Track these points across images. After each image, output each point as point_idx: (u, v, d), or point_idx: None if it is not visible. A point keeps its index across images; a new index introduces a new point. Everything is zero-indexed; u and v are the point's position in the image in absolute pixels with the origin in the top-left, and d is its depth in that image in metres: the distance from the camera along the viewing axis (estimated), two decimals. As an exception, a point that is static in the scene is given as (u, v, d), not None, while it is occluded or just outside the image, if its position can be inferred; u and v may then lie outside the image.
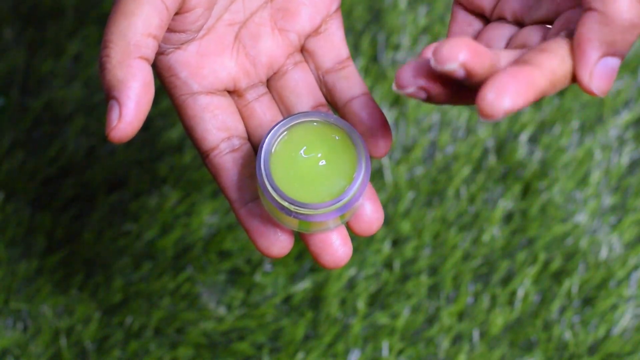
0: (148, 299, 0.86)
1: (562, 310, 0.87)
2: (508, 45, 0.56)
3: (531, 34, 0.55)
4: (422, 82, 0.51)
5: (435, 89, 0.51)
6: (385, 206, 0.89)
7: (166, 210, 0.89)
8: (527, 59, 0.50)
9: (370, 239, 0.88)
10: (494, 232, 0.89)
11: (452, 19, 0.59)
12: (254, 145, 0.59)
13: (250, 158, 0.58)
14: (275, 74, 0.60)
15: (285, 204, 0.55)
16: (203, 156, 0.58)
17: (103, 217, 0.89)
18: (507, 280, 0.88)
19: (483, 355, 0.85)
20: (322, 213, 0.55)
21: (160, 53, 0.58)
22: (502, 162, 0.92)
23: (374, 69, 0.95)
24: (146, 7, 0.54)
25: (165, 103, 0.92)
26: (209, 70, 0.58)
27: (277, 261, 0.87)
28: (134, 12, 0.54)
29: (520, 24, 0.57)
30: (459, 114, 0.93)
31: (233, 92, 0.59)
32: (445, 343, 0.86)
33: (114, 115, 0.53)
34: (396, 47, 0.96)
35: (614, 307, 0.87)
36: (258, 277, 0.87)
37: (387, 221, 0.89)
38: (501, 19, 0.57)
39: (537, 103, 0.94)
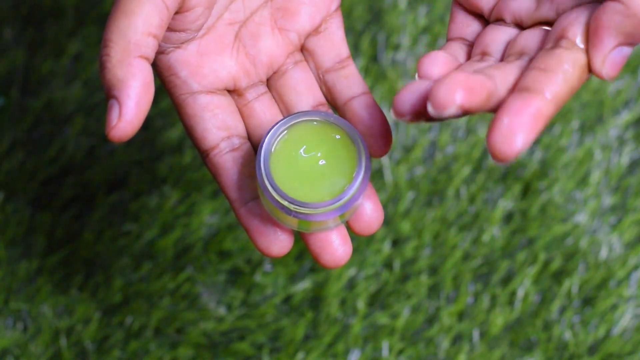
0: (148, 299, 0.86)
1: (562, 310, 0.87)
2: (506, 50, 0.55)
3: (530, 38, 0.54)
4: (420, 109, 0.51)
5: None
6: (385, 206, 0.89)
7: (166, 210, 0.89)
8: (529, 84, 0.50)
9: (370, 238, 0.88)
10: (494, 232, 0.89)
11: (451, 20, 0.59)
12: (254, 145, 0.59)
13: (250, 157, 0.58)
14: (275, 73, 0.60)
15: (285, 203, 0.55)
16: (203, 155, 0.58)
17: (103, 217, 0.89)
18: (507, 280, 0.88)
19: (483, 355, 0.85)
20: (322, 212, 0.55)
21: (160, 52, 0.58)
22: (502, 162, 0.91)
23: (374, 69, 0.95)
24: (146, 6, 0.54)
25: (165, 103, 0.92)
26: (209, 69, 0.58)
27: (277, 261, 0.87)
28: (134, 11, 0.54)
29: (519, 25, 0.56)
30: (459, 114, 0.93)
31: (233, 92, 0.59)
32: (445, 343, 0.86)
33: (114, 114, 0.53)
34: (396, 47, 0.96)
35: (614, 307, 0.87)
36: (258, 277, 0.87)
37: (387, 221, 0.89)
38: (500, 20, 0.57)
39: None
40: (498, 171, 0.91)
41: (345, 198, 0.55)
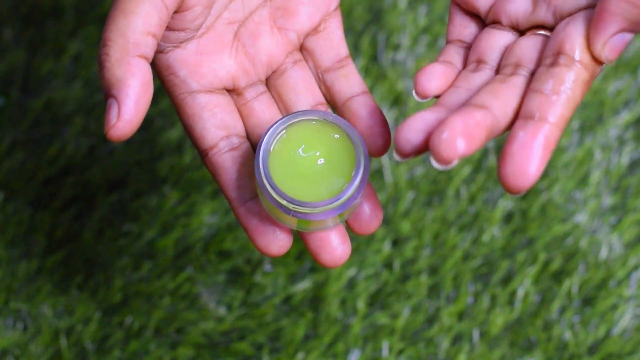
0: (148, 299, 0.86)
1: (562, 310, 0.87)
2: (502, 59, 0.55)
3: (527, 48, 0.54)
4: (422, 147, 0.51)
5: None
6: (385, 206, 0.89)
7: (166, 210, 0.89)
8: (533, 111, 0.50)
9: (370, 239, 0.88)
10: (494, 232, 0.89)
11: (449, 21, 0.59)
12: (253, 144, 0.59)
13: (249, 157, 0.58)
14: (274, 72, 0.60)
15: (284, 202, 0.55)
16: (202, 155, 0.58)
17: (103, 217, 0.89)
18: (507, 280, 0.88)
19: (483, 355, 0.85)
20: (321, 211, 0.55)
21: (159, 51, 0.58)
22: (502, 162, 0.91)
23: (374, 69, 0.95)
24: (146, 5, 0.54)
25: (165, 103, 0.92)
26: (208, 68, 0.58)
27: (277, 261, 0.87)
28: (134, 10, 0.54)
29: (515, 28, 0.56)
30: (459, 114, 0.93)
31: (232, 91, 0.59)
32: (445, 343, 0.86)
33: (113, 113, 0.53)
34: (396, 47, 0.96)
35: (614, 307, 0.87)
36: (258, 277, 0.87)
37: (387, 221, 0.89)
38: (496, 22, 0.57)
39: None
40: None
41: (344, 197, 0.55)
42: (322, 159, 0.56)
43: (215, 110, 0.58)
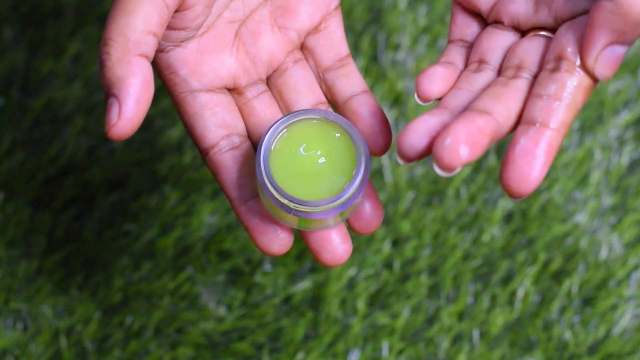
0: (148, 299, 0.86)
1: (562, 310, 0.87)
2: (504, 60, 0.55)
3: (529, 50, 0.54)
4: (425, 151, 0.51)
5: None
6: (385, 206, 0.89)
7: (166, 210, 0.89)
8: (535, 116, 0.51)
9: (370, 239, 0.88)
10: (494, 232, 0.89)
11: (452, 20, 0.59)
12: (254, 143, 0.59)
13: (250, 156, 0.58)
14: (275, 71, 0.60)
15: (285, 201, 0.55)
16: (203, 154, 0.58)
17: (103, 217, 0.89)
18: (507, 280, 0.88)
19: (483, 355, 0.85)
20: (322, 211, 0.55)
21: (160, 51, 0.58)
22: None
23: (374, 69, 0.95)
24: (146, 4, 0.54)
25: (165, 103, 0.92)
26: (209, 67, 0.58)
27: (277, 261, 0.87)
28: (134, 9, 0.54)
29: (516, 28, 0.56)
30: (459, 114, 0.93)
31: (233, 90, 0.59)
32: (445, 343, 0.86)
33: (114, 112, 0.53)
34: (396, 47, 0.96)
35: (614, 307, 0.87)
36: (258, 277, 0.87)
37: (387, 221, 0.89)
38: (498, 22, 0.57)
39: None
40: (498, 171, 0.91)
41: (345, 196, 0.55)
42: (323, 158, 0.56)
43: (216, 109, 0.58)
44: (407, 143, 0.51)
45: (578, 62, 0.52)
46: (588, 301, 0.88)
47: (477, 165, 0.91)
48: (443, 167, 0.49)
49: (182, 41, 0.58)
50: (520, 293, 0.87)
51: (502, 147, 0.92)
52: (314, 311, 0.86)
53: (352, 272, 0.87)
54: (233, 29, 0.59)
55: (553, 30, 0.55)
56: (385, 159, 0.91)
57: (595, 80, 0.52)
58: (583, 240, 0.89)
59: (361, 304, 0.86)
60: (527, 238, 0.89)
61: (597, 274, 0.88)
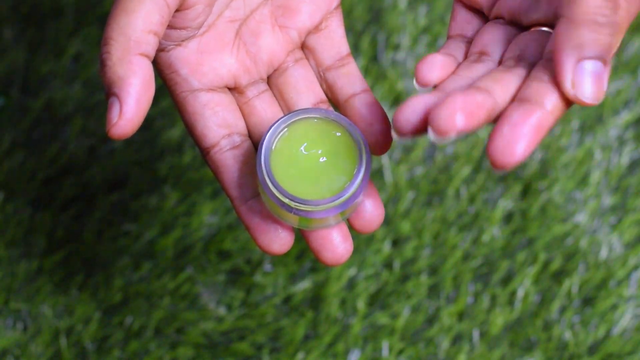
0: (148, 299, 0.86)
1: (562, 310, 0.87)
2: (505, 52, 0.55)
3: (529, 42, 0.54)
4: (421, 128, 0.51)
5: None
6: (385, 206, 0.89)
7: (166, 210, 0.89)
8: (530, 96, 0.50)
9: (370, 239, 0.88)
10: (494, 232, 0.89)
11: (452, 17, 0.59)
12: (255, 142, 0.59)
13: (251, 155, 0.58)
14: (275, 70, 0.60)
15: (286, 200, 0.55)
16: (203, 153, 0.58)
17: (103, 217, 0.88)
18: (507, 280, 0.88)
19: (483, 355, 0.85)
20: (323, 210, 0.55)
21: (160, 50, 0.58)
22: (502, 162, 0.91)
23: (374, 69, 0.95)
24: (147, 3, 0.54)
25: (166, 103, 0.92)
26: (210, 67, 0.58)
27: (277, 261, 0.87)
28: (135, 8, 0.54)
29: (518, 24, 0.56)
30: (458, 114, 0.93)
31: (233, 89, 0.59)
32: (445, 343, 0.86)
33: (115, 112, 0.53)
34: (396, 47, 0.96)
35: (614, 307, 0.87)
36: (258, 277, 0.87)
37: (387, 221, 0.89)
38: (499, 17, 0.57)
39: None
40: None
41: (346, 195, 0.55)
42: (324, 157, 0.56)
43: (216, 108, 0.58)
44: (403, 117, 0.51)
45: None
46: (588, 301, 0.88)
47: (477, 165, 0.92)
48: (437, 131, 0.49)
49: (182, 40, 0.58)
50: (520, 293, 0.87)
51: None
52: (314, 311, 0.86)
53: (352, 272, 0.87)
54: (234, 28, 0.59)
55: (554, 26, 0.55)
56: (385, 159, 0.91)
57: (581, 103, 0.51)
58: (583, 240, 0.89)
59: (361, 304, 0.86)
60: (527, 238, 0.89)
61: (597, 274, 0.88)
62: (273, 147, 0.56)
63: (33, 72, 0.93)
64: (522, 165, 0.91)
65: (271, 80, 0.60)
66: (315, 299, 0.87)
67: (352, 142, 0.56)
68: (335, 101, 0.60)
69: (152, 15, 0.54)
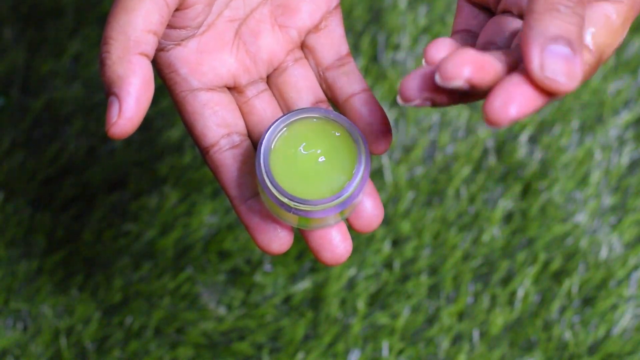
0: (148, 299, 0.86)
1: (562, 310, 0.87)
2: (513, 42, 0.55)
3: None
4: (426, 93, 0.50)
5: (440, 97, 0.51)
6: (385, 206, 0.89)
7: (166, 210, 0.89)
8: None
9: (370, 238, 0.88)
10: (494, 232, 0.89)
11: (457, 12, 0.58)
12: (254, 142, 0.59)
13: (250, 154, 0.58)
14: (275, 70, 0.60)
15: (285, 200, 0.55)
16: (203, 153, 0.58)
17: (103, 217, 0.89)
18: (507, 280, 0.88)
19: (483, 355, 0.85)
20: (322, 209, 0.55)
21: (160, 49, 0.58)
22: (502, 162, 0.92)
23: (374, 69, 0.95)
24: (147, 3, 0.54)
25: (165, 103, 0.92)
26: (209, 66, 0.58)
27: (277, 261, 0.87)
28: (135, 8, 0.54)
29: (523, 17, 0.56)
30: (459, 114, 0.93)
31: (233, 89, 0.59)
32: (445, 343, 0.86)
33: (114, 111, 0.53)
34: (396, 47, 0.96)
35: (614, 307, 0.87)
36: (258, 277, 0.87)
37: (387, 221, 0.89)
38: (507, 11, 0.57)
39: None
40: (498, 171, 0.91)
41: (345, 195, 0.55)
42: (323, 157, 0.56)
43: (216, 108, 0.58)
44: (408, 84, 0.50)
45: (588, 39, 0.52)
46: (588, 301, 0.88)
47: (477, 165, 0.92)
48: (444, 77, 0.47)
49: (182, 40, 0.58)
50: (520, 293, 0.87)
51: (502, 147, 0.92)
52: (314, 311, 0.86)
53: (352, 272, 0.87)
54: (233, 27, 0.59)
55: None
56: (385, 159, 0.91)
57: (559, 93, 0.50)
58: (583, 240, 0.89)
59: (361, 304, 0.86)
60: (527, 238, 0.89)
61: (597, 274, 0.88)
62: (272, 147, 0.56)
63: (33, 72, 0.93)
64: (522, 165, 0.91)
65: (271, 80, 0.60)
66: (315, 299, 0.87)
67: (351, 141, 0.56)
68: (334, 101, 0.60)
69: (151, 15, 0.54)
